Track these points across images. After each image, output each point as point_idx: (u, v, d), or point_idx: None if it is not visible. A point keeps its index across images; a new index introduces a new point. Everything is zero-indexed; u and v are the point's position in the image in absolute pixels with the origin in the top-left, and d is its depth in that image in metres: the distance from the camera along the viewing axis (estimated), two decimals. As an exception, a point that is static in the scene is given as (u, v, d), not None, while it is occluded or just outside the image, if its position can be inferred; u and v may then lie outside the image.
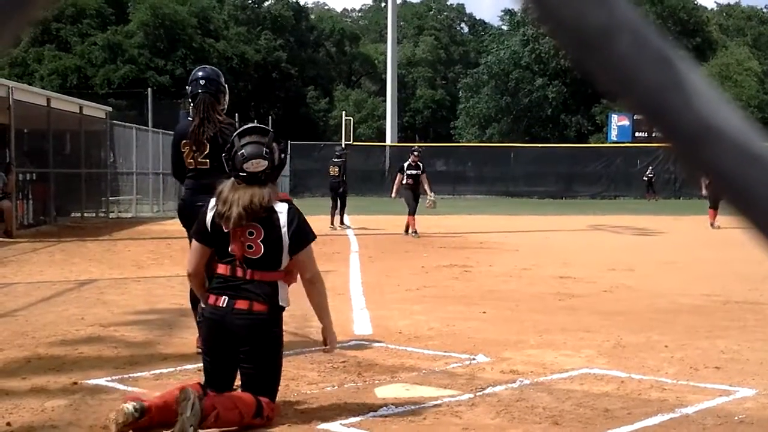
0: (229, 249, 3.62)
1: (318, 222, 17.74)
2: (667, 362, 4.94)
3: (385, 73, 44.98)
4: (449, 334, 5.79)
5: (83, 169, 17.66)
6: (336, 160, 16.93)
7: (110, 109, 20.69)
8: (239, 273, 3.60)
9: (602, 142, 45.24)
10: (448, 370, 4.72)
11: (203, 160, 4.78)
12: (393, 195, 15.18)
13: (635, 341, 5.55)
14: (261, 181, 3.64)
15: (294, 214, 3.71)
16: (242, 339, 3.53)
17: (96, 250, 11.77)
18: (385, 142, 43.01)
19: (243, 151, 3.66)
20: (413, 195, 14.48)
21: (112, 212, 19.90)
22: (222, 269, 3.64)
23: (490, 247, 12.77)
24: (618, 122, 42.51)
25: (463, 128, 54.54)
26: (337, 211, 16.70)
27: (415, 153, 14.84)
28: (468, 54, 64.44)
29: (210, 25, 49.19)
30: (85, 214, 18.18)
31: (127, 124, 20.92)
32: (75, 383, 4.28)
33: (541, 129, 50.93)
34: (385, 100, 46.68)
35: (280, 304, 3.67)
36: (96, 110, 19.59)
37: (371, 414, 3.79)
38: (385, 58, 45.53)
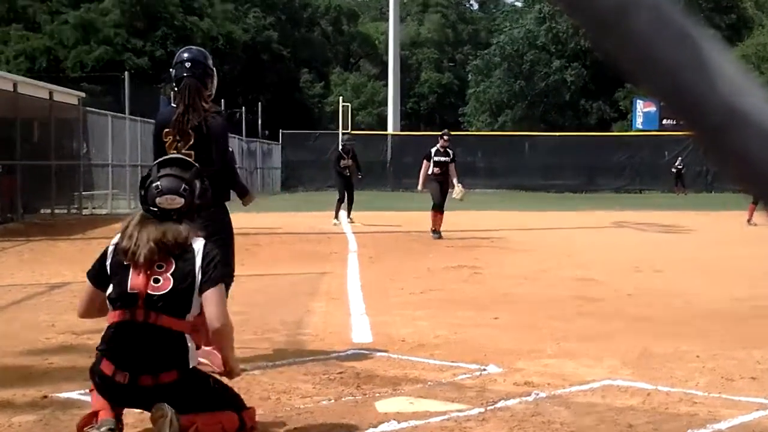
0: (128, 287, 3.43)
1: (312, 219, 17.88)
2: (697, 373, 4.94)
3: (387, 54, 44.97)
4: (457, 342, 5.80)
5: (53, 161, 17.66)
6: (346, 150, 17.18)
7: (83, 94, 20.67)
8: (139, 316, 3.40)
9: (626, 131, 45.27)
10: (456, 382, 4.72)
11: (187, 152, 4.78)
12: (420, 187, 14.29)
13: (663, 350, 5.55)
14: (173, 220, 3.54)
15: (212, 249, 3.60)
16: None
17: (68, 251, 11.77)
18: (386, 130, 43.06)
19: (159, 183, 3.60)
20: (440, 187, 13.70)
21: (86, 208, 19.89)
22: (117, 316, 3.45)
23: (502, 247, 12.78)
24: (644, 108, 42.50)
25: (472, 115, 54.60)
26: (344, 205, 16.89)
27: (445, 137, 14.10)
28: (478, 33, 64.43)
29: (193, 2, 49.14)
30: (56, 211, 18.18)
31: (102, 111, 20.88)
32: (45, 396, 4.28)
33: (559, 116, 50.95)
34: (386, 85, 46.64)
35: (190, 365, 3.45)
36: (68, 96, 19.58)
37: (371, 430, 3.80)
38: (387, 38, 45.51)
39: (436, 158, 13.88)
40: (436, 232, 13.68)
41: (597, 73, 48.55)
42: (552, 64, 50.21)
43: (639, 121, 43.62)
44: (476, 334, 6.04)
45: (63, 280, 8.82)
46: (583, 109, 51.05)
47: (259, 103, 42.60)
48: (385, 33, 49.36)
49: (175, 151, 4.83)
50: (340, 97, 43.05)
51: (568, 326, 6.41)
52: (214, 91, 4.97)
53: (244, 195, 5.21)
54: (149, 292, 3.43)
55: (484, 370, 4.98)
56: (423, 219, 14.82)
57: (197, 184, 3.67)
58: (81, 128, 19.75)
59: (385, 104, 46.77)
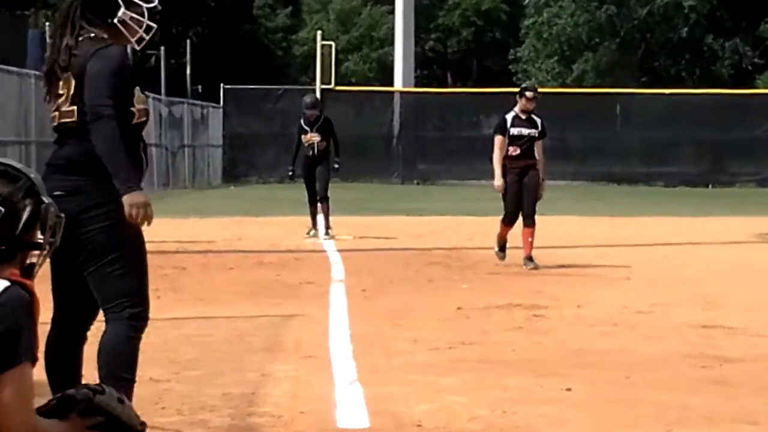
0: None
1: (274, 229, 17.81)
2: None
3: (393, -37, 44.98)
4: (507, 427, 5.79)
5: None
6: (309, 118, 16.65)
7: None
8: None
9: (779, 87, 45.24)
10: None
11: (68, 109, 4.79)
12: (498, 183, 13.22)
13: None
14: None
15: (12, 301, 3.49)
16: None
17: None
18: (392, 85, 43.07)
19: None
20: (519, 182, 13.11)
21: None
22: None
23: (579, 274, 12.80)
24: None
25: (531, 61, 54.59)
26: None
27: (528, 95, 13.66)
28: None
29: None
30: None
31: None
32: None
33: (671, 63, 50.96)
34: (392, 12, 46.67)
35: None
36: None
37: None
38: (393, -63, 45.53)
39: (513, 131, 13.27)
40: (530, 259, 13.05)
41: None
42: (660, -21, 50.24)
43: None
44: (537, 416, 6.02)
45: None
46: (711, 53, 51.01)
47: (188, 41, 42.67)
48: (391, -71, 49.38)
49: (56, 112, 4.83)
50: (318, 33, 42.64)
51: (685, 402, 6.38)
52: (123, 18, 4.90)
53: (126, 184, 4.87)
54: None
55: (550, 473, 4.99)
56: (451, 228, 14.80)
57: (23, 205, 3.58)
58: None
59: (390, 44, 46.80)
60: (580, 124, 39.35)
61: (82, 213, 4.61)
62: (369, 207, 22.86)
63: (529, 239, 13.08)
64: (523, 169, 13.10)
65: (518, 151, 13.12)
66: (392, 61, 44.86)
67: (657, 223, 20.70)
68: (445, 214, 21.53)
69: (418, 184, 38.40)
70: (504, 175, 13.10)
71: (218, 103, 40.72)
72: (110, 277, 4.67)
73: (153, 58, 36.36)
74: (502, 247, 13.26)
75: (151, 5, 4.90)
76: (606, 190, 33.45)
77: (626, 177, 37.83)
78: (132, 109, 4.74)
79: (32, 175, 3.58)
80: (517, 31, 56.34)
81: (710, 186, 37.44)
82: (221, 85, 40.58)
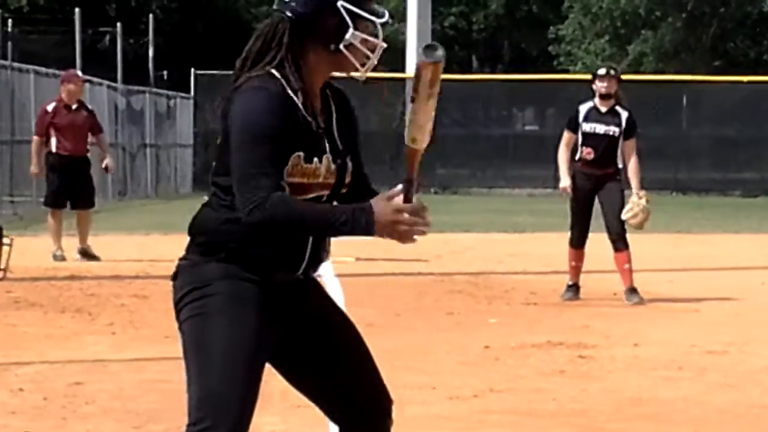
0: None
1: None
2: None
3: None
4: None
5: None
6: None
7: None
8: None
9: None
10: None
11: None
12: (565, 183, 13.01)
13: None
14: None
15: None
16: None
17: None
18: (403, 71, 43.19)
19: None
20: (589, 192, 12.90)
21: None
22: None
23: (629, 305, 12.79)
24: None
25: (576, 41, 54.65)
26: None
27: (604, 75, 13.25)
28: None
29: None
30: None
31: None
32: None
33: (750, 44, 51.02)
34: (403, -20, 46.88)
35: None
36: None
37: None
38: None
39: (586, 126, 12.94)
40: (634, 291, 12.73)
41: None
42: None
43: None
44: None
45: None
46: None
47: (150, 16, 42.75)
48: None
49: None
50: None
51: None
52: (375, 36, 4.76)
53: None
54: None
55: None
56: (477, 247, 14.79)
57: None
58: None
59: (402, 19, 46.99)
60: (638, 119, 39.18)
61: None
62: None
63: (625, 266, 12.68)
64: (598, 179, 12.72)
65: (592, 155, 12.72)
66: (404, 41, 44.97)
67: (734, 240, 20.70)
68: (469, 231, 21.53)
69: (436, 193, 38.37)
70: (573, 177, 12.74)
71: (188, 92, 40.86)
72: None
73: (107, 38, 36.45)
74: (572, 286, 12.97)
75: (384, 20, 4.68)
76: (669, 200, 33.40)
77: (694, 185, 37.90)
78: None
79: None
80: (560, 3, 56.36)
81: (800, 196, 37.48)
82: (192, 70, 40.72)
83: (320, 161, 4.40)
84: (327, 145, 4.47)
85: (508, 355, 9.71)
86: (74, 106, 16.52)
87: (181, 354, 4.18)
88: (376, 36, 4.59)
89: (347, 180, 4.55)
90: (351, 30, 4.49)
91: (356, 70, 4.63)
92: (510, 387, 8.41)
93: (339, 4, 4.44)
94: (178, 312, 4.55)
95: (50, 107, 16.63)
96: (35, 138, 16.54)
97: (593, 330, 10.90)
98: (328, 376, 4.61)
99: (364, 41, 4.54)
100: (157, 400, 7.77)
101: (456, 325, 11.26)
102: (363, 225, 4.27)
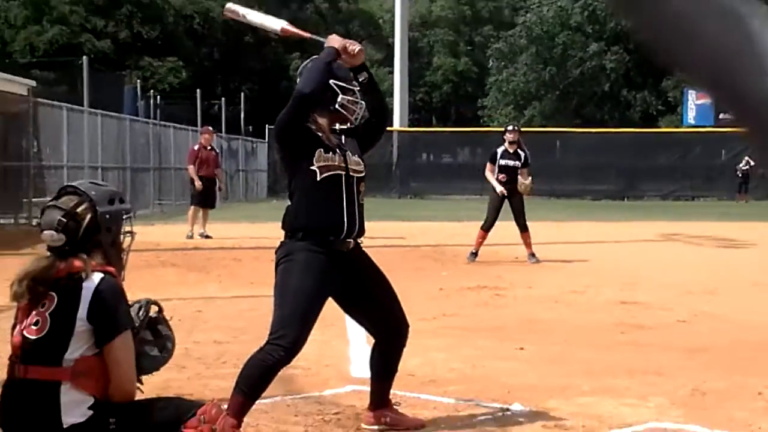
0: (12, 335, 3.51)
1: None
2: (760, 414, 4.93)
3: (393, 36, 45.07)
4: (476, 377, 5.80)
5: (-2, 162, 17.71)
6: None
7: (34, 83, 20.71)
8: (17, 372, 3.44)
9: (676, 127, 45.23)
10: (475, 424, 4.71)
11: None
12: (502, 190, 12.62)
13: (720, 386, 5.54)
14: (65, 254, 3.51)
15: (107, 287, 3.45)
16: None
17: (15, 268, 11.76)
18: (392, 126, 43.11)
19: (41, 218, 3.62)
20: (499, 199, 12.69)
21: (36, 217, 19.90)
22: (6, 371, 3.55)
23: (529, 264, 12.77)
24: (697, 100, 42.49)
25: (494, 108, 54.62)
26: None
27: (510, 133, 13.00)
28: (501, 12, 64.43)
29: (164, -27, 49.28)
30: (1, 221, 18.19)
31: (55, 102, 20.93)
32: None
33: (597, 109, 50.97)
34: (392, 72, 46.72)
35: (65, 424, 3.34)
36: (15, 85, 19.62)
37: (374, 481, 3.79)
38: (393, 17, 45.62)
39: (502, 162, 12.78)
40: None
41: (642, 59, 48.57)
42: (588, 48, 50.25)
43: (691, 116, 43.60)
44: (498, 368, 6.04)
45: (7, 302, 8.81)
46: (625, 102, 51.07)
47: (242, 94, 42.73)
48: (391, 11, 49.49)
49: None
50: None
51: (607, 358, 6.40)
52: (356, 96, 4.68)
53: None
54: (25, 336, 3.43)
55: (508, 410, 5.00)
56: (435, 230, 14.80)
57: (87, 216, 3.52)
58: (31, 123, 19.75)
59: (391, 95, 46.84)
60: (531, 155, 39.34)
61: None
62: (373, 215, 22.73)
63: (528, 240, 12.80)
64: (508, 191, 12.62)
65: (506, 178, 12.63)
66: (392, 109, 44.99)
67: (587, 227, 20.73)
68: (432, 220, 21.48)
69: (411, 198, 38.43)
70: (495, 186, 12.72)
71: (264, 139, 40.98)
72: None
73: (216, 106, 36.32)
74: (474, 253, 12.86)
75: (357, 87, 4.65)
76: (549, 203, 33.32)
77: (564, 193, 37.83)
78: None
79: (92, 193, 3.59)
80: (484, 86, 56.37)
81: (626, 199, 37.51)
82: (266, 126, 40.78)
83: (334, 154, 4.54)
84: (338, 149, 4.59)
85: (454, 294, 9.73)
86: (208, 147, 16.52)
87: (262, 293, 4.14)
88: (357, 98, 4.64)
89: (351, 165, 4.66)
90: (341, 96, 4.58)
91: (350, 120, 4.70)
92: (455, 313, 8.43)
93: (331, 82, 4.56)
94: (276, 268, 4.52)
95: (196, 147, 16.66)
96: (191, 166, 16.22)
97: (504, 279, 10.90)
98: (369, 309, 4.72)
99: (351, 101, 4.62)
100: (246, 321, 7.78)
101: (423, 276, 11.26)
102: (325, 53, 4.55)
